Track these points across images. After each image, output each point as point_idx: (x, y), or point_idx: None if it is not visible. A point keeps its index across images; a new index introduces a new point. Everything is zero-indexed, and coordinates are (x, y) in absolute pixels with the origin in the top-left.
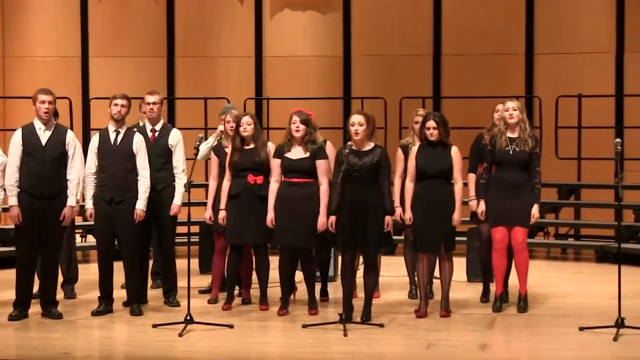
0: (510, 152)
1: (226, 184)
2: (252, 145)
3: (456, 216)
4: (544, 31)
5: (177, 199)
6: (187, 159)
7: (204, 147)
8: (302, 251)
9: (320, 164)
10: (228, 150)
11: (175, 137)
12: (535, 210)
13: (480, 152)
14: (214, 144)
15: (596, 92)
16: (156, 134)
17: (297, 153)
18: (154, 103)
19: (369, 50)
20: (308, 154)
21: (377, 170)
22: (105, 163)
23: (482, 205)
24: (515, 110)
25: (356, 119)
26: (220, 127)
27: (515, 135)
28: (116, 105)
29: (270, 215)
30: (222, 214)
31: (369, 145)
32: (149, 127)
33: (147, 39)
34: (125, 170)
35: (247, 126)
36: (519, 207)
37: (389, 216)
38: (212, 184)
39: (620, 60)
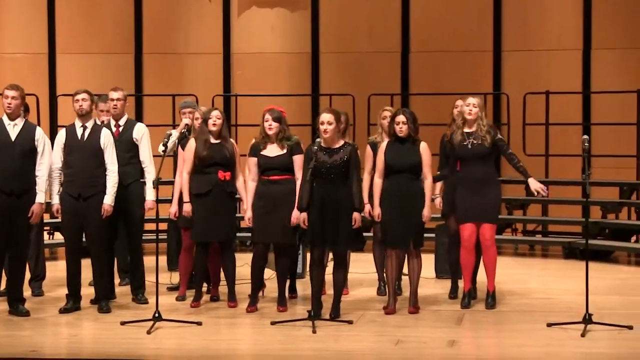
0: (469, 147)
1: (186, 177)
2: (218, 140)
3: (426, 212)
4: (512, 28)
5: (150, 195)
6: (155, 156)
7: (170, 141)
8: (281, 247)
9: (298, 160)
10: (190, 145)
11: (139, 131)
12: (532, 182)
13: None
14: (179, 137)
15: (563, 89)
16: (120, 128)
17: (273, 150)
18: (117, 99)
19: (338, 48)
20: (285, 151)
21: (347, 168)
22: (72, 159)
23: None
24: (475, 107)
25: (325, 117)
26: (185, 121)
27: (472, 130)
28: (77, 101)
29: (249, 214)
30: (187, 207)
31: (339, 143)
32: (113, 122)
33: (115, 35)
34: (93, 166)
35: (217, 120)
36: (486, 204)
37: (357, 213)
38: (179, 179)
39: (588, 57)
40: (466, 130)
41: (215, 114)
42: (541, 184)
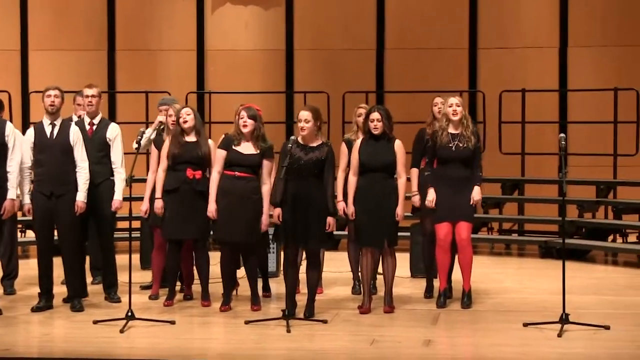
0: (453, 149)
1: (161, 174)
2: (194, 138)
3: (399, 210)
4: (488, 26)
5: (118, 194)
6: (127, 154)
7: (144, 138)
8: (244, 246)
9: (267, 164)
10: (166, 144)
11: (113, 131)
12: (475, 192)
13: (423, 147)
14: (153, 136)
15: (540, 86)
16: (94, 127)
17: (247, 148)
18: (92, 96)
19: (312, 44)
20: (258, 151)
21: (322, 167)
22: (42, 157)
23: (432, 194)
24: (458, 106)
25: (303, 115)
26: (160, 118)
27: (457, 131)
28: (49, 96)
29: (213, 206)
30: (158, 203)
31: (317, 141)
32: (87, 120)
33: (88, 32)
34: (63, 163)
35: (187, 116)
36: (462, 203)
37: (331, 217)
38: (151, 176)
39: (564, 55)
40: (451, 131)
41: (185, 110)
42: (480, 197)
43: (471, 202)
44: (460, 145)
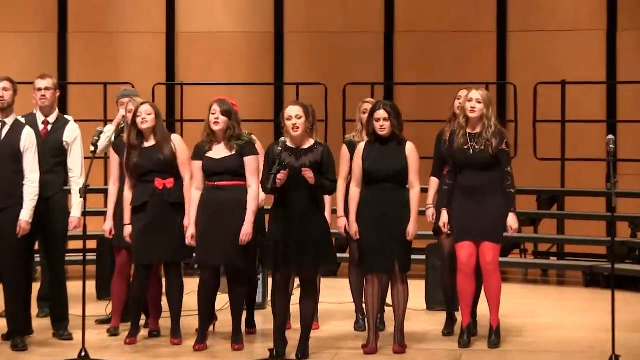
0: (470, 152)
1: (128, 193)
2: (152, 142)
3: (411, 228)
4: (520, 3)
5: (76, 211)
6: (86, 158)
7: (103, 138)
8: (234, 270)
9: (249, 162)
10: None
11: (72, 133)
12: (511, 219)
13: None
14: (113, 136)
15: (583, 78)
16: (49, 127)
17: (219, 151)
18: (46, 89)
19: (306, 26)
20: (234, 152)
21: (319, 173)
22: None
23: (445, 216)
24: (479, 102)
25: (293, 110)
26: (122, 112)
27: (476, 131)
28: None
29: (192, 230)
30: (127, 230)
31: (309, 142)
32: (40, 118)
33: (34, 10)
34: (10, 172)
35: (147, 116)
36: (486, 218)
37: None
38: (112, 188)
39: (612, 39)
40: (469, 130)
41: (145, 108)
42: (516, 225)
43: (509, 231)
44: (477, 147)
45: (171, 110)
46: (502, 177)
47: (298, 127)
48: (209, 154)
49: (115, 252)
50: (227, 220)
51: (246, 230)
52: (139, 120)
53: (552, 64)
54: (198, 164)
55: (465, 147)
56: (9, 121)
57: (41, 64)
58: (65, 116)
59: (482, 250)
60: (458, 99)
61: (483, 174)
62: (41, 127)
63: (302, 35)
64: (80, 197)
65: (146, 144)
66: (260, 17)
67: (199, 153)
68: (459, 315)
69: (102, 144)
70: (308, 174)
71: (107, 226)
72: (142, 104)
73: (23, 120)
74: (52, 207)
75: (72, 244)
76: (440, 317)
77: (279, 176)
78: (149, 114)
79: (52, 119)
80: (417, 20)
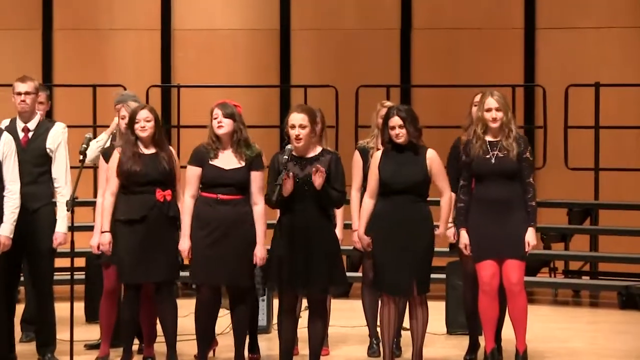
0: (492, 161)
1: (110, 200)
2: (152, 149)
3: (441, 228)
4: None
5: (62, 225)
6: (73, 167)
7: (94, 147)
8: (236, 291)
9: (257, 177)
10: (115, 157)
11: (56, 138)
12: (530, 235)
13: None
14: (106, 144)
15: (619, 80)
16: (30, 134)
17: (228, 160)
18: (26, 93)
19: (315, 23)
20: (244, 163)
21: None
22: None
23: (465, 237)
24: (498, 111)
25: (296, 119)
26: (117, 120)
27: (497, 138)
28: None
29: (187, 244)
30: (105, 237)
31: (315, 151)
32: (20, 124)
33: (16, 5)
34: None
35: (147, 123)
36: (510, 234)
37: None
38: (102, 200)
39: None
40: (489, 138)
41: (143, 114)
42: (535, 241)
43: (526, 247)
44: (501, 154)
45: (167, 114)
46: (524, 189)
47: (301, 139)
48: (215, 162)
49: (105, 271)
50: (230, 237)
51: (261, 255)
52: (137, 127)
53: (584, 65)
54: (197, 170)
55: (487, 156)
56: None
57: (23, 64)
58: (50, 120)
59: (506, 269)
60: (475, 104)
61: (506, 185)
62: (21, 134)
63: (311, 33)
64: (67, 210)
65: (146, 151)
66: (264, 13)
67: (199, 158)
68: (482, 340)
69: (92, 153)
70: (318, 177)
71: (93, 241)
72: (141, 108)
73: (3, 126)
74: (38, 221)
75: (59, 262)
76: (462, 341)
77: (285, 184)
78: (148, 121)
79: (32, 125)
80: (436, 16)
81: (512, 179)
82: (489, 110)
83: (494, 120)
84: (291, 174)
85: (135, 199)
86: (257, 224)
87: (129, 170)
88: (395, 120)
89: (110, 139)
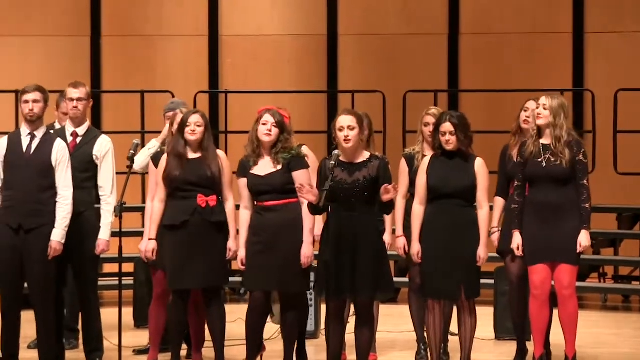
0: (544, 164)
1: (159, 205)
2: (198, 154)
3: (482, 252)
4: (598, 2)
5: (104, 233)
6: (119, 173)
7: (145, 154)
8: (287, 297)
9: (299, 177)
10: (162, 163)
11: (103, 147)
12: (583, 237)
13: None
14: (158, 150)
15: None
16: (78, 139)
17: (265, 167)
18: (78, 99)
19: (362, 28)
20: (280, 167)
21: (374, 190)
22: (13, 177)
23: (518, 238)
24: (545, 108)
25: (345, 120)
26: (168, 127)
27: (548, 142)
28: (27, 102)
29: (242, 254)
30: (151, 244)
31: (364, 156)
32: (69, 129)
33: (65, 12)
34: (39, 188)
35: (197, 128)
36: (563, 238)
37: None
38: (150, 205)
39: None
40: (542, 141)
41: (195, 119)
42: (588, 243)
43: (578, 248)
44: (553, 159)
45: (214, 120)
46: (578, 192)
47: (350, 139)
48: (254, 170)
49: (154, 276)
50: (279, 243)
51: (307, 253)
52: (187, 130)
53: (634, 69)
54: (243, 181)
55: (539, 159)
56: (39, 134)
57: (71, 71)
58: (98, 130)
59: (558, 274)
60: (525, 110)
61: (558, 189)
62: (70, 139)
63: (358, 38)
64: (116, 216)
65: (191, 156)
66: (311, 18)
67: (243, 169)
68: (531, 346)
69: (143, 161)
70: (387, 195)
71: (142, 245)
72: (193, 113)
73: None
74: (82, 225)
75: (108, 267)
76: (510, 347)
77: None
78: (199, 126)
79: (81, 130)
80: (484, 21)
81: (564, 183)
82: (537, 107)
83: (538, 116)
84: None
85: (178, 204)
86: (305, 223)
87: (169, 175)
88: (447, 127)
89: (159, 145)
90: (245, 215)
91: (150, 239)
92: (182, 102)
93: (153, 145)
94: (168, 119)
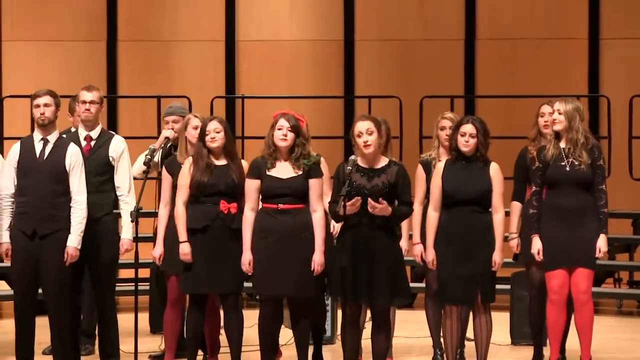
0: (567, 168)
1: (182, 209)
2: (223, 161)
3: (497, 257)
4: (614, 8)
5: (127, 232)
6: (135, 179)
7: (140, 161)
8: (298, 302)
9: (315, 185)
10: (186, 167)
11: (118, 147)
12: (601, 241)
13: (527, 172)
14: (154, 156)
15: None
16: (92, 143)
17: (285, 170)
18: (91, 102)
19: (379, 33)
20: (301, 172)
21: (392, 196)
22: (27, 183)
23: (538, 243)
24: (560, 113)
25: (363, 126)
26: (165, 133)
27: (568, 146)
28: (38, 106)
29: (248, 256)
30: (184, 248)
31: (383, 162)
32: (82, 133)
33: (80, 17)
34: (53, 193)
35: (216, 134)
36: (581, 243)
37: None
38: (163, 210)
39: None
40: (562, 146)
41: (213, 126)
42: (606, 248)
43: (596, 253)
44: (576, 163)
45: (231, 125)
46: (596, 197)
47: (370, 144)
48: (272, 172)
49: (169, 282)
50: (294, 247)
51: (319, 260)
52: (207, 138)
53: None
54: (255, 183)
55: (562, 163)
56: (52, 138)
57: (87, 75)
58: (110, 131)
59: (575, 278)
60: (542, 115)
61: (579, 193)
62: (83, 143)
63: (375, 44)
64: (132, 221)
65: (217, 162)
66: (328, 24)
67: (257, 170)
68: (547, 351)
69: (138, 169)
70: (377, 210)
71: (156, 252)
72: (210, 120)
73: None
74: (100, 231)
75: (123, 273)
76: (526, 352)
77: (349, 205)
78: (217, 132)
79: (94, 134)
80: (500, 26)
81: (585, 187)
82: (552, 113)
83: (554, 122)
84: (359, 200)
85: (200, 208)
86: (316, 231)
87: (198, 181)
88: (468, 128)
89: (161, 151)
90: (250, 217)
91: (182, 242)
92: (180, 106)
93: (149, 151)
94: (166, 124)
